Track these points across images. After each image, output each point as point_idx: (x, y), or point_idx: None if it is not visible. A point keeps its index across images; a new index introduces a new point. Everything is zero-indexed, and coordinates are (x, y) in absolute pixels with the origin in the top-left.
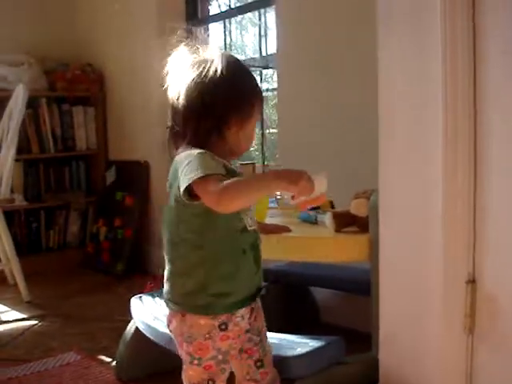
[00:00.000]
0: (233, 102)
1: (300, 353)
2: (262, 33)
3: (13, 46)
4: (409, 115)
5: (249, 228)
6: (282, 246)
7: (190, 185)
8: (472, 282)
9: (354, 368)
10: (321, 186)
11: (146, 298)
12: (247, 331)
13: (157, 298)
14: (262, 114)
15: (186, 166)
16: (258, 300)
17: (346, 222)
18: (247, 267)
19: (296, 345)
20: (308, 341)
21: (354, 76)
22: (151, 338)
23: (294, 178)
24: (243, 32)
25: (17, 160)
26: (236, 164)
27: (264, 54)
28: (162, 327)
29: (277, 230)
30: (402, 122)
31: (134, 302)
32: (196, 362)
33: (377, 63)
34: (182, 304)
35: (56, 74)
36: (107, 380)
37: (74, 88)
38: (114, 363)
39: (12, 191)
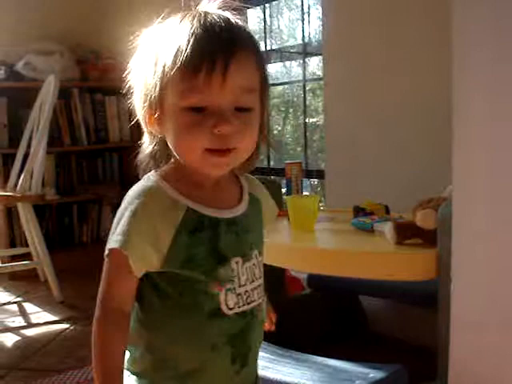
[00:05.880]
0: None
1: None
2: (300, 17)
3: (43, 33)
4: (492, 101)
5: (227, 311)
6: (333, 261)
7: None
8: None
9: None
10: None
11: None
12: None
13: None
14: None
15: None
16: None
17: (409, 233)
18: (218, 368)
19: (354, 376)
20: (367, 370)
21: (414, 60)
22: None
23: None
24: (279, 17)
25: (48, 153)
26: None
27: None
28: None
29: None
30: (482, 112)
31: None
32: None
33: (445, 44)
34: None
35: (88, 64)
36: None
37: (107, 78)
38: None
39: (43, 185)
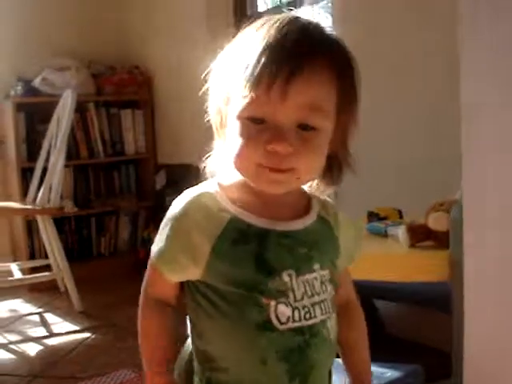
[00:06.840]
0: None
1: None
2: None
3: (59, 49)
4: (500, 106)
5: (278, 325)
6: None
7: None
8: None
9: None
10: None
11: None
12: None
13: None
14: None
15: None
16: None
17: (422, 236)
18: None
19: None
20: (384, 370)
21: (425, 65)
22: None
23: None
24: None
25: (66, 166)
26: None
27: None
28: None
29: None
30: (491, 115)
31: None
32: None
33: (454, 51)
34: None
35: (103, 78)
36: None
37: (122, 91)
38: None
39: (62, 197)
